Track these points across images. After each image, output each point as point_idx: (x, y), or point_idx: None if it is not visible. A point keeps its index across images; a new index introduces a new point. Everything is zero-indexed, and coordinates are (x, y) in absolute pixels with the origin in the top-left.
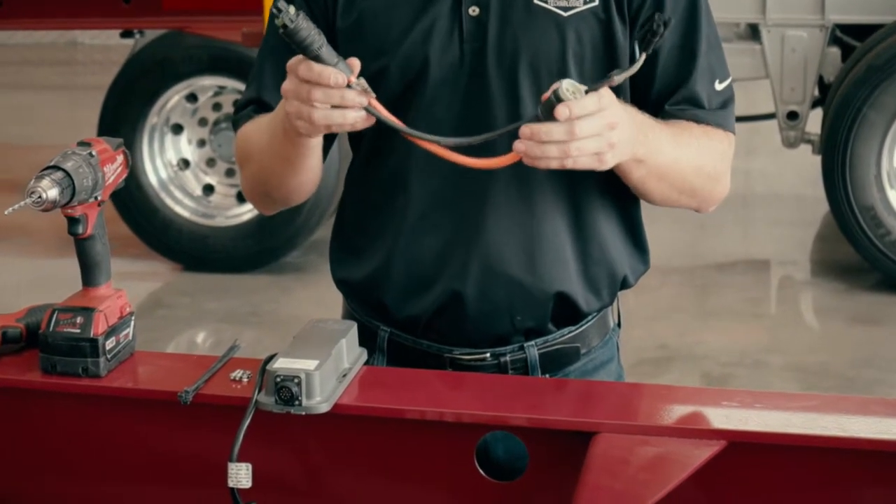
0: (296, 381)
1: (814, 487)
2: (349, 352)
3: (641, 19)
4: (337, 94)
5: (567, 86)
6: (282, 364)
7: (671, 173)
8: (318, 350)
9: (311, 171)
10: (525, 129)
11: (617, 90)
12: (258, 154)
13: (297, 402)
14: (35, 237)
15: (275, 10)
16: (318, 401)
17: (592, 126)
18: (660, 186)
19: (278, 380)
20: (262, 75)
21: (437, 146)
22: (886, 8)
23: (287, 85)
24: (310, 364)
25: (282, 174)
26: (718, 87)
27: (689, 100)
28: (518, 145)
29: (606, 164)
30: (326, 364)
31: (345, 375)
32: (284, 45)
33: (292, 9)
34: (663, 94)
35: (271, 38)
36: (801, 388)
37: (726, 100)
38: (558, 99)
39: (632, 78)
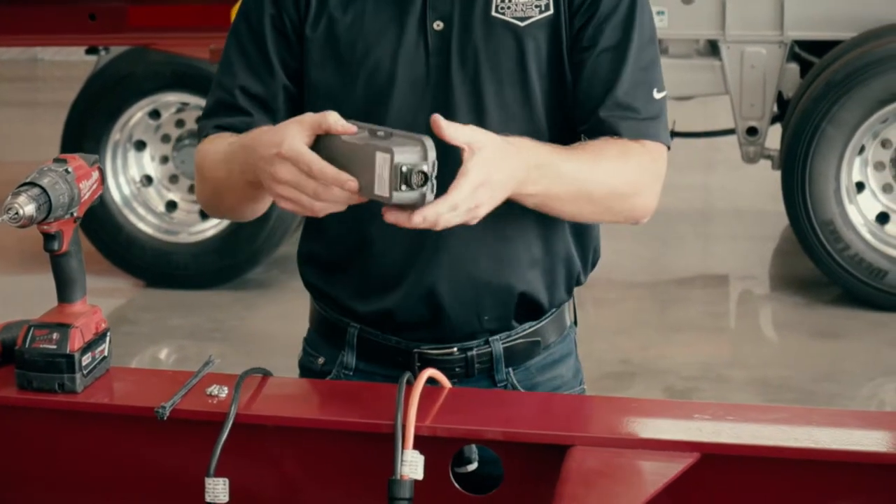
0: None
1: (786, 498)
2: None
3: (576, 25)
4: (344, 197)
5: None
6: (403, 157)
7: (575, 199)
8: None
9: (266, 201)
10: (389, 215)
11: (559, 94)
12: (213, 181)
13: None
14: (1, 253)
15: None
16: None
17: (453, 219)
18: (564, 209)
19: (404, 169)
20: (230, 75)
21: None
22: (844, 24)
23: (286, 175)
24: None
25: (237, 203)
26: (657, 95)
27: (622, 106)
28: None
29: (478, 219)
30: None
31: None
32: (253, 43)
33: None
34: (592, 96)
35: (241, 37)
36: (763, 402)
37: (661, 110)
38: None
39: (570, 80)
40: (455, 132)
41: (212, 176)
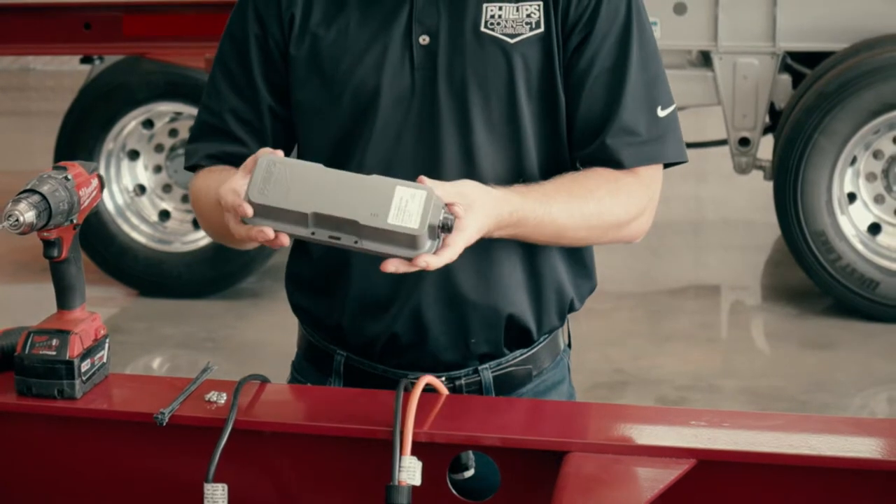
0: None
1: None
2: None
3: (571, 45)
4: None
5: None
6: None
7: (548, 240)
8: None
9: None
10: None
11: (549, 113)
12: (208, 220)
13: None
14: None
15: None
16: None
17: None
18: (537, 243)
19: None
20: (217, 98)
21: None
22: (836, 36)
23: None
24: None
25: (233, 239)
26: (662, 113)
27: (626, 131)
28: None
29: None
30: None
31: None
32: (239, 66)
33: None
34: (592, 121)
35: (226, 59)
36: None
37: (667, 128)
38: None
39: (565, 101)
40: (444, 191)
41: (211, 222)
